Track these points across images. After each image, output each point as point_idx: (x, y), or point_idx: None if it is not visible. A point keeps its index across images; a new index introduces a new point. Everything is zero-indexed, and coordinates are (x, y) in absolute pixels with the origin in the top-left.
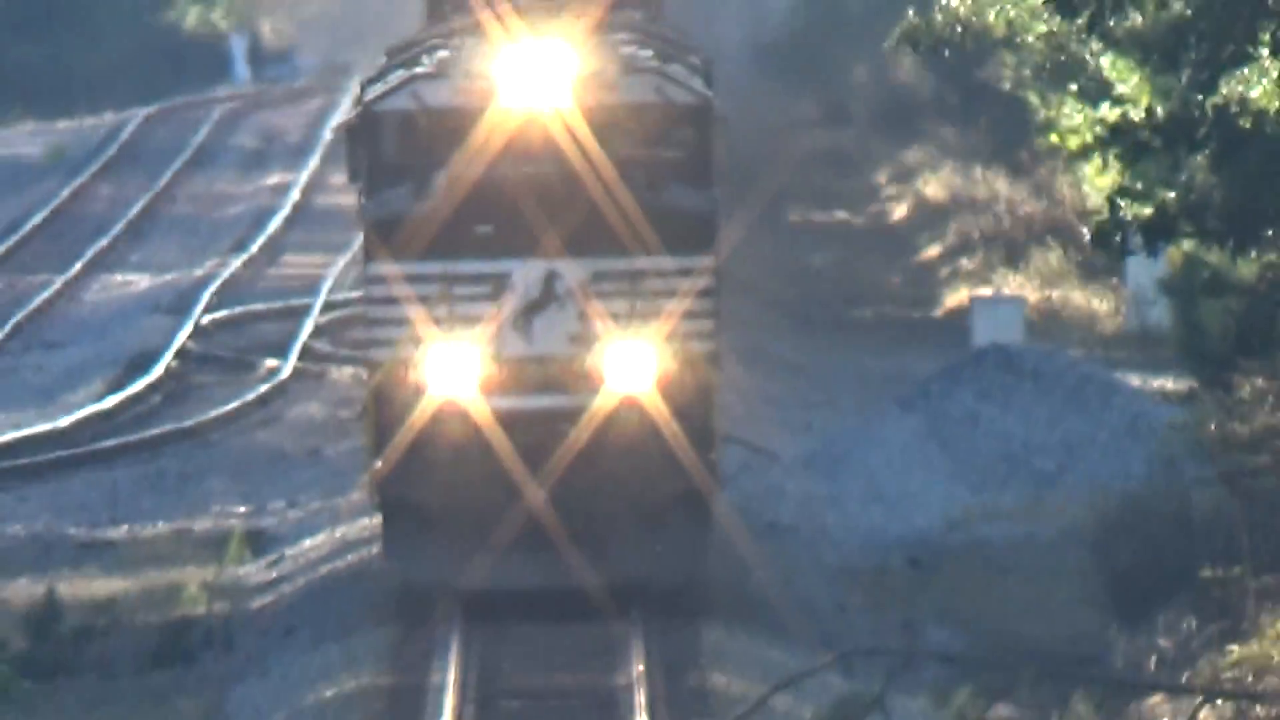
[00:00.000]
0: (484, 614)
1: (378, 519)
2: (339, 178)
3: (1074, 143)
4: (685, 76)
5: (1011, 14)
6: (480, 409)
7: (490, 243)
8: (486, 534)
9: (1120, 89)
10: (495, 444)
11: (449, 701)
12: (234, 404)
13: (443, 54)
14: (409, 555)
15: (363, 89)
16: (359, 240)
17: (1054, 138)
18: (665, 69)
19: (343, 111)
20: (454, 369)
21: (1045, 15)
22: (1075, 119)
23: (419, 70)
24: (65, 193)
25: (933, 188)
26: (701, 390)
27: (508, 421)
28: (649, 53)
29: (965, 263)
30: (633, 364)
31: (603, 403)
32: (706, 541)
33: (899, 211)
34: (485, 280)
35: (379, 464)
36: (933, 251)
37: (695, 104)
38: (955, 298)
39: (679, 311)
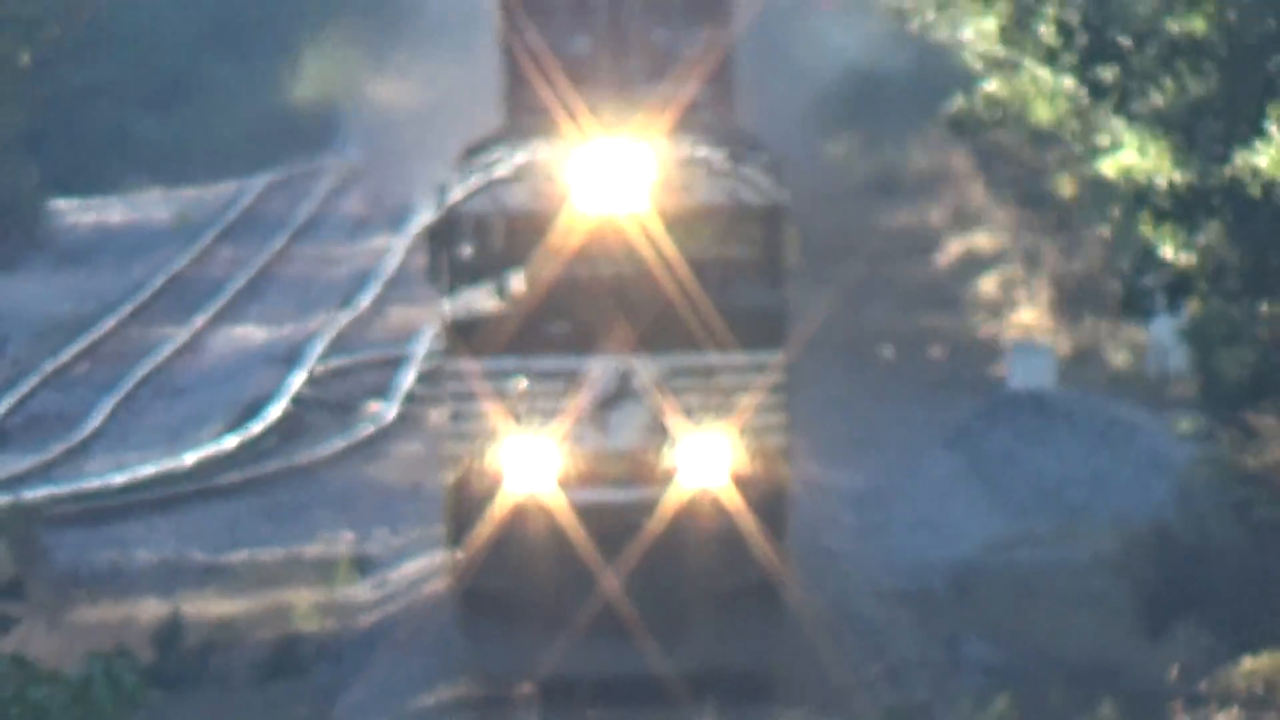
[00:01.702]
0: (561, 702)
1: (460, 605)
2: None
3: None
4: (757, 178)
5: (1050, 103)
6: (557, 502)
7: (566, 340)
8: (563, 623)
9: (1140, 164)
10: (572, 536)
11: None
12: (342, 444)
13: (520, 157)
14: (488, 643)
15: (442, 192)
16: (440, 338)
17: (1105, 167)
18: (738, 171)
19: (422, 215)
20: (531, 463)
21: (1079, 99)
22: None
23: (497, 173)
24: (190, 254)
25: (978, 243)
26: (774, 482)
27: (584, 514)
28: (721, 154)
29: (1007, 311)
30: (707, 458)
31: (678, 496)
32: (779, 630)
33: (945, 262)
34: (562, 376)
35: (459, 554)
36: (978, 299)
37: (767, 205)
38: (995, 343)
39: (752, 406)
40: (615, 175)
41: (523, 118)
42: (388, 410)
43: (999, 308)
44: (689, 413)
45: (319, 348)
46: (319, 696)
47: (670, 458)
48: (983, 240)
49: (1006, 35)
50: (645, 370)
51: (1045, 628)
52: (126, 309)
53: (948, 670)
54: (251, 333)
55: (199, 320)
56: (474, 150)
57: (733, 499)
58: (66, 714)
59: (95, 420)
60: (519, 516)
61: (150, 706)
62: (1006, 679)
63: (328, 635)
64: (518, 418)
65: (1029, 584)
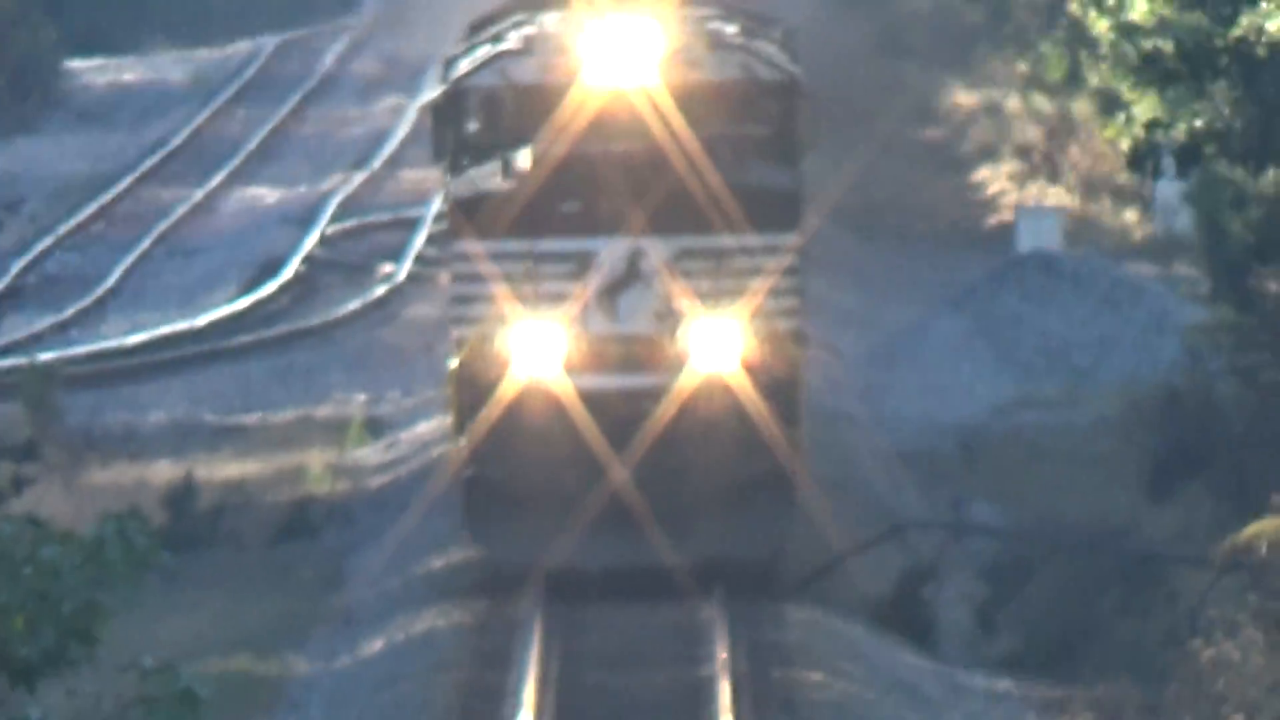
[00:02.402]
0: (565, 593)
1: (461, 493)
2: None
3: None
4: (771, 53)
5: None
6: (565, 388)
7: (575, 221)
8: (569, 513)
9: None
10: (579, 423)
11: (526, 672)
12: (355, 305)
13: (528, 30)
14: (492, 534)
15: (447, 66)
16: (444, 219)
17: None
18: (751, 45)
19: (427, 89)
20: (538, 348)
21: None
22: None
23: (505, 47)
24: (205, 115)
25: (980, 99)
26: (787, 368)
27: (592, 401)
28: (734, 28)
29: (1010, 174)
30: (718, 342)
31: (688, 381)
32: (791, 520)
33: (951, 129)
34: (570, 259)
35: (462, 441)
36: (982, 167)
37: (782, 80)
38: (1000, 207)
39: (764, 289)
40: (625, 49)
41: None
42: (400, 271)
43: (1007, 168)
44: (700, 296)
45: (331, 208)
46: (330, 558)
47: (681, 343)
48: (988, 98)
49: None
50: (655, 252)
51: (1050, 490)
52: (142, 169)
53: (954, 533)
54: (265, 193)
55: (214, 181)
56: (482, 22)
57: (744, 385)
58: (79, 574)
59: (110, 280)
60: (525, 403)
61: (162, 567)
62: (1010, 542)
63: (339, 497)
64: (524, 301)
65: (1034, 446)
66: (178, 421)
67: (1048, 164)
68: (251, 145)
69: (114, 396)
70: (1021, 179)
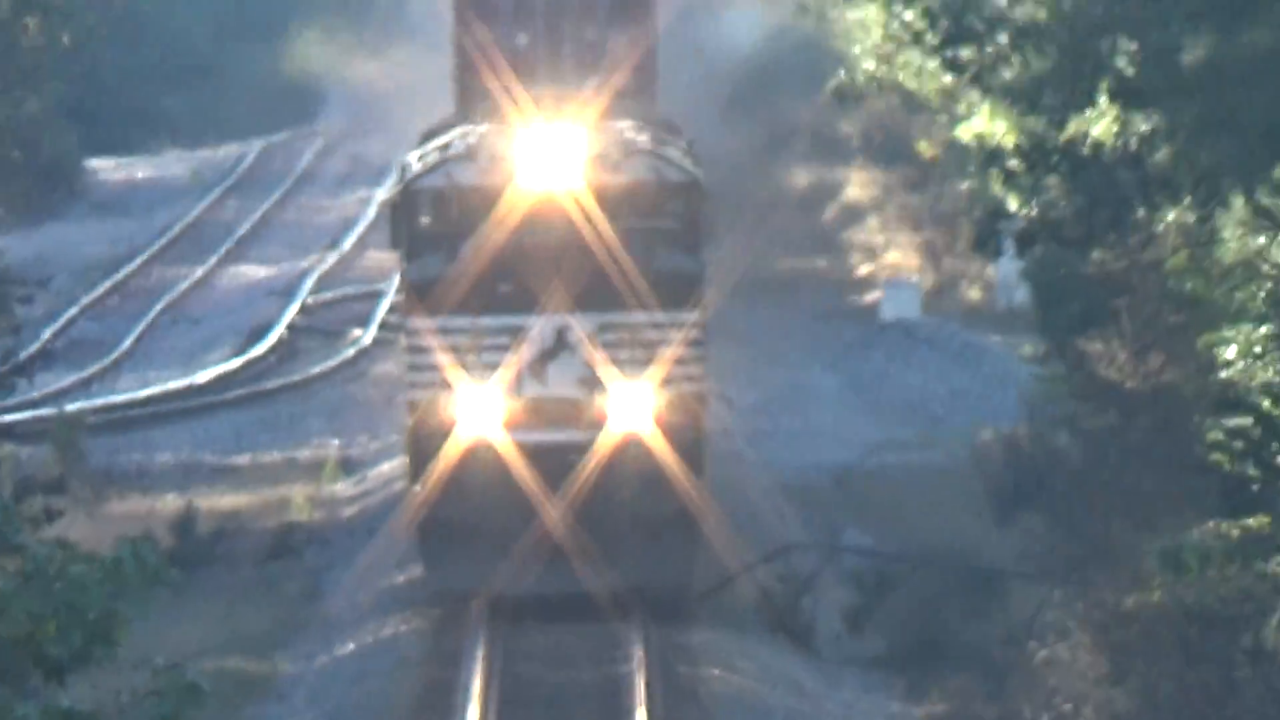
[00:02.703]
0: (504, 610)
1: (415, 536)
2: None
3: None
4: (677, 158)
5: (917, 76)
6: (503, 443)
7: (510, 300)
8: (509, 549)
9: (991, 129)
10: (516, 473)
11: (473, 677)
12: (330, 364)
13: (471, 138)
14: (445, 565)
15: (402, 169)
16: (400, 298)
17: (961, 133)
18: (660, 151)
19: (386, 188)
20: (480, 409)
21: (941, 74)
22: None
23: (451, 153)
24: (203, 205)
25: (853, 194)
26: (693, 426)
27: (527, 453)
28: (645, 137)
29: (881, 254)
30: (633, 405)
31: (608, 438)
32: (696, 549)
33: (830, 214)
34: (506, 332)
35: (417, 489)
36: (855, 243)
37: (686, 181)
38: (869, 284)
39: (672, 359)
40: (553, 155)
41: (473, 103)
42: (366, 336)
43: (875, 251)
44: (618, 365)
45: (310, 283)
46: (310, 575)
47: (601, 405)
48: (860, 193)
49: (881, 20)
50: (579, 327)
51: (910, 518)
52: (151, 250)
53: (828, 552)
54: (254, 270)
55: (211, 260)
56: (430, 132)
57: (656, 441)
58: (101, 587)
59: (124, 344)
60: (470, 456)
61: (170, 582)
62: (877, 560)
63: (317, 524)
64: (467, 369)
65: (897, 482)
66: (182, 461)
67: (910, 246)
68: (243, 230)
69: (128, 441)
70: (883, 259)
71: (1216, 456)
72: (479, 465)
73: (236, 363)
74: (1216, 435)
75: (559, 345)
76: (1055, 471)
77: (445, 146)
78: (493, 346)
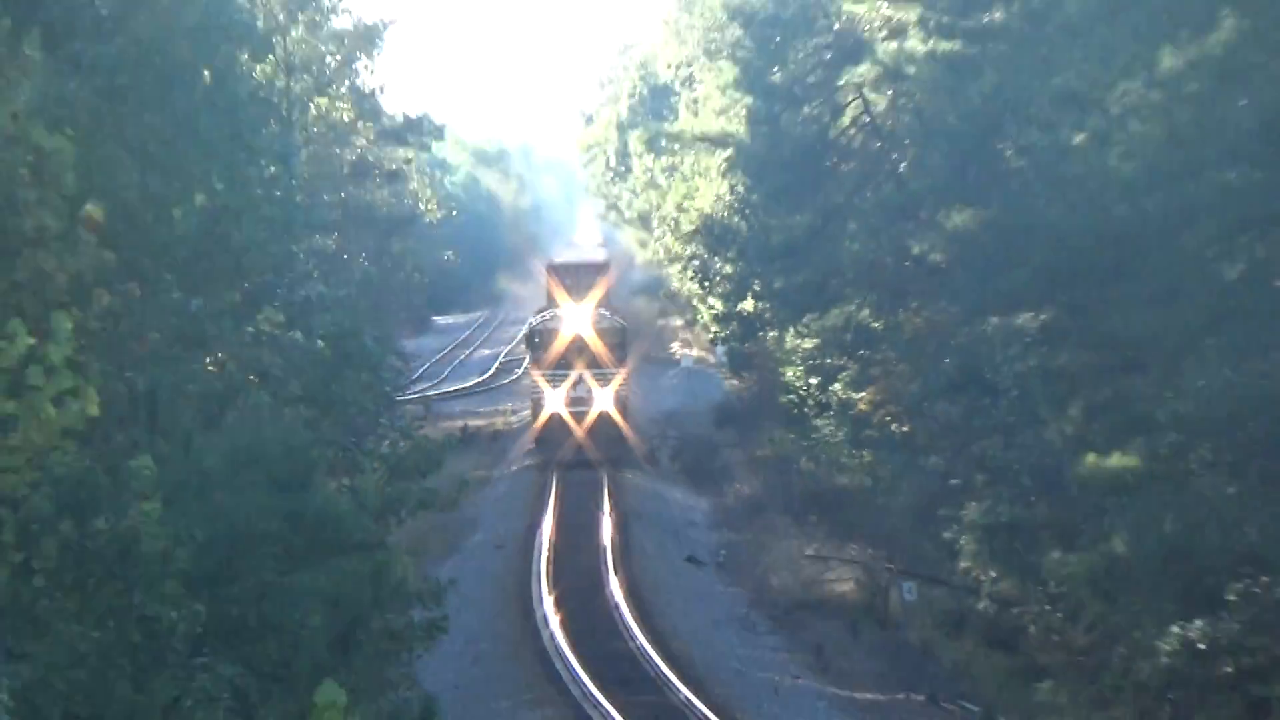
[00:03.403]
0: (562, 474)
1: (530, 452)
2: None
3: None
4: (619, 318)
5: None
6: (562, 411)
7: (563, 367)
8: (564, 447)
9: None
10: (566, 422)
11: (553, 489)
12: (506, 382)
13: (548, 312)
14: (542, 452)
15: (529, 324)
16: (527, 363)
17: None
18: (613, 316)
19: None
20: (554, 401)
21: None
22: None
23: (542, 317)
24: (469, 331)
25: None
26: (625, 405)
27: (571, 416)
28: (608, 311)
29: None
30: (605, 399)
31: (597, 410)
32: (624, 448)
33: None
34: (561, 378)
35: (535, 428)
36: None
37: (621, 326)
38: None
39: (617, 382)
40: (578, 318)
41: (549, 303)
42: (518, 373)
43: (683, 343)
44: (600, 386)
45: (500, 356)
46: (503, 448)
47: (595, 399)
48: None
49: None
50: (587, 376)
51: (689, 426)
52: (452, 346)
53: (663, 440)
54: (484, 351)
55: (471, 348)
56: (537, 312)
57: (612, 411)
58: (442, 450)
59: (444, 374)
60: (550, 417)
61: (455, 447)
62: (684, 442)
63: (504, 432)
64: (551, 388)
65: (686, 416)
66: (463, 410)
67: (696, 343)
68: (480, 338)
69: (446, 405)
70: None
71: (786, 398)
72: (553, 420)
73: (478, 379)
74: (792, 379)
75: (581, 381)
76: (735, 411)
77: (540, 314)
78: (556, 381)
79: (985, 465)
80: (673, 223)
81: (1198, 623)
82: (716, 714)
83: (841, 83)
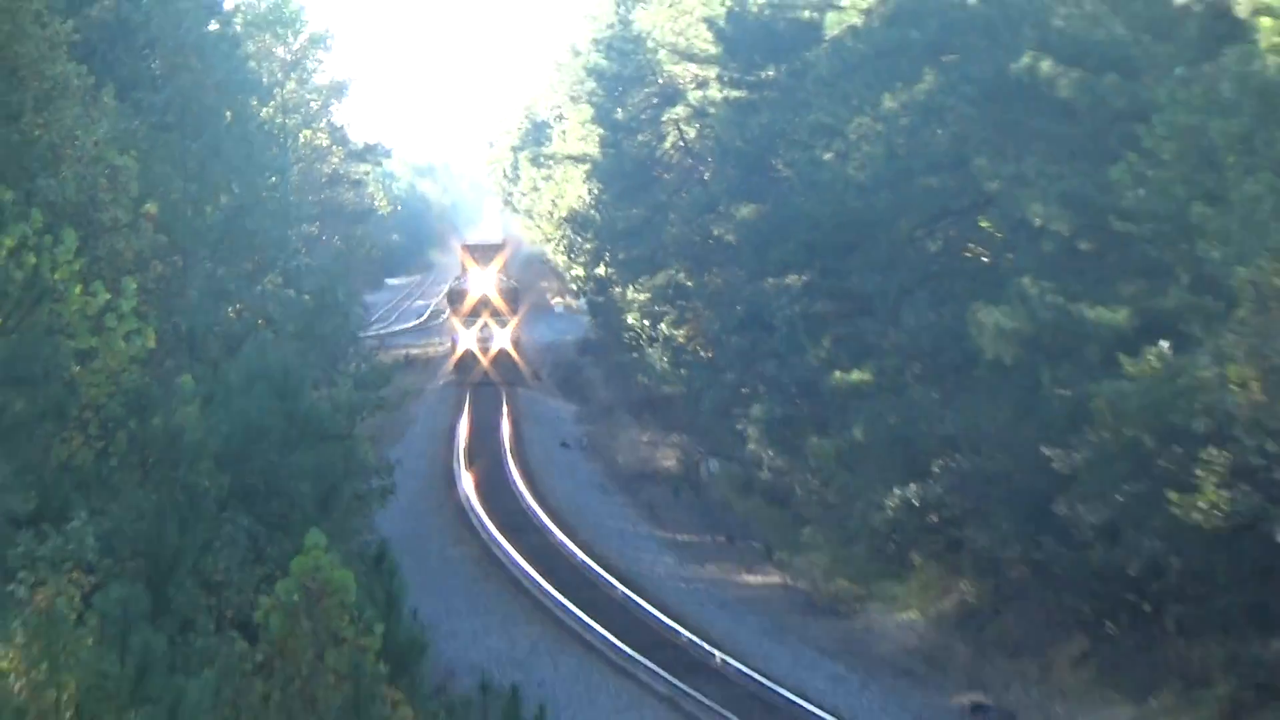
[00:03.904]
0: (473, 389)
1: (451, 375)
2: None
3: None
4: (512, 281)
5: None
6: (474, 347)
7: (474, 316)
8: (473, 373)
9: None
10: (476, 355)
11: (467, 400)
12: (435, 324)
13: (463, 277)
14: (460, 376)
15: (450, 285)
16: (447, 313)
17: None
18: (511, 279)
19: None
20: (467, 340)
21: None
22: None
23: (459, 279)
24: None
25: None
26: (519, 343)
27: (479, 351)
28: (505, 276)
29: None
30: (504, 339)
31: (498, 347)
32: (517, 373)
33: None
34: (473, 324)
35: (453, 359)
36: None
37: (516, 288)
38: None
39: (513, 327)
40: (484, 278)
41: (463, 271)
42: (442, 318)
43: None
44: (499, 329)
45: (430, 307)
46: (433, 371)
47: (497, 339)
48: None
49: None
50: (490, 322)
51: (560, 355)
52: (397, 300)
53: (543, 364)
54: (418, 303)
55: (409, 300)
56: (455, 278)
57: (510, 348)
58: (390, 375)
59: (393, 317)
60: (464, 352)
61: (391, 375)
62: (557, 366)
63: (433, 359)
64: (464, 329)
65: (558, 346)
66: (405, 343)
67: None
68: (418, 294)
69: (393, 340)
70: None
71: (627, 334)
72: (466, 354)
73: (416, 321)
74: (632, 322)
75: (486, 326)
76: (593, 343)
77: (457, 279)
78: (469, 325)
79: (765, 379)
80: (549, 214)
81: (912, 486)
82: (581, 549)
83: (664, 119)
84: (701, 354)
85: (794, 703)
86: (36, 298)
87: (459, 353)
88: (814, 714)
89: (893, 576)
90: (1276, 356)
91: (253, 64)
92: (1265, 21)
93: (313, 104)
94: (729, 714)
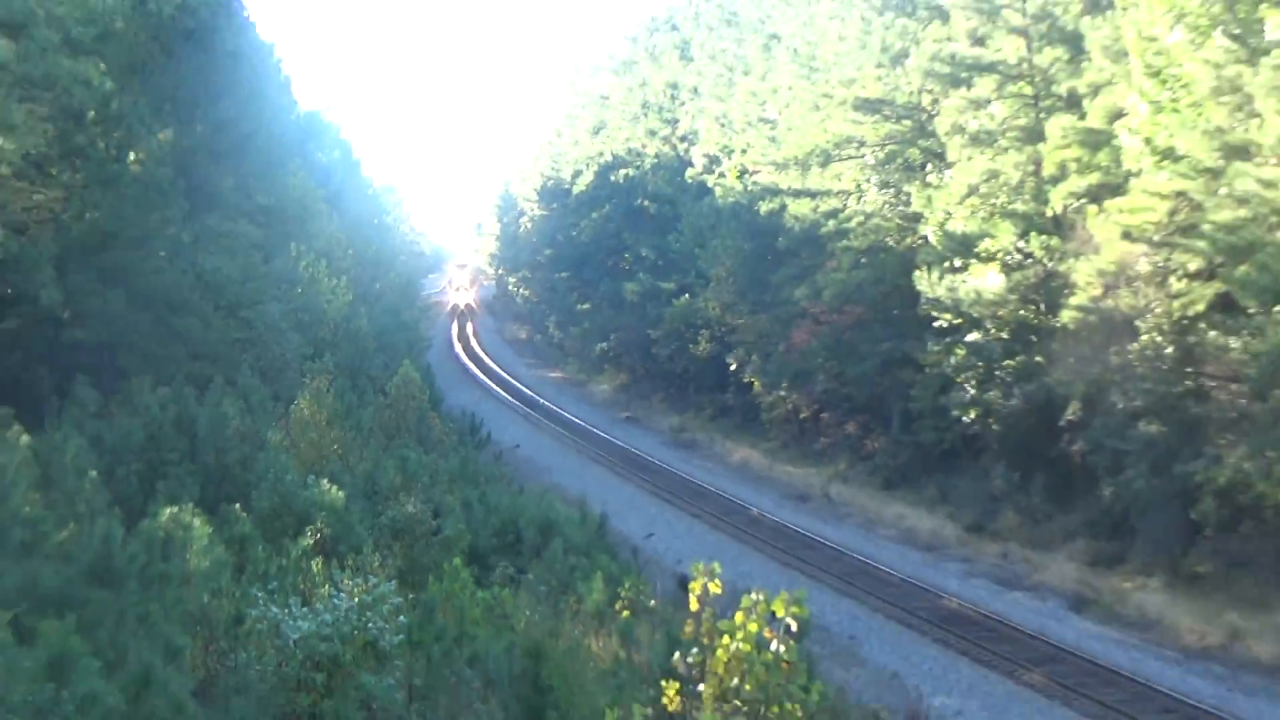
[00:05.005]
0: (457, 317)
1: (447, 312)
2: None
3: None
4: (473, 279)
5: None
6: (458, 303)
7: (457, 290)
8: (458, 312)
9: None
10: (459, 305)
11: (454, 323)
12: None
13: (452, 278)
14: (450, 314)
15: (447, 279)
16: (446, 290)
17: None
18: (473, 278)
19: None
20: (455, 299)
21: None
22: None
23: (451, 279)
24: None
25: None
26: (475, 303)
27: (459, 302)
28: (470, 278)
29: None
30: (468, 298)
31: (465, 302)
32: (475, 313)
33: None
34: (456, 294)
35: (448, 308)
36: None
37: (476, 279)
38: None
39: (473, 296)
40: (462, 285)
41: (453, 276)
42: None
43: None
44: (467, 295)
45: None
46: (437, 312)
47: (465, 299)
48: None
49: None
50: (463, 293)
51: (496, 306)
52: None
53: (488, 308)
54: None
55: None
56: (449, 279)
57: (471, 302)
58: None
59: (426, 294)
60: (453, 304)
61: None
62: (493, 308)
63: (439, 308)
64: (454, 294)
65: (495, 302)
66: (428, 300)
67: None
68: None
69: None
70: None
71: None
72: (454, 305)
73: (435, 292)
74: (528, 295)
75: (461, 293)
76: (512, 299)
77: (450, 279)
78: (455, 295)
79: (568, 311)
80: (488, 254)
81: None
82: (498, 367)
83: (522, 218)
84: (534, 297)
85: (563, 417)
86: None
87: (449, 305)
88: (561, 416)
89: (599, 373)
90: None
91: None
92: None
93: None
94: (517, 402)
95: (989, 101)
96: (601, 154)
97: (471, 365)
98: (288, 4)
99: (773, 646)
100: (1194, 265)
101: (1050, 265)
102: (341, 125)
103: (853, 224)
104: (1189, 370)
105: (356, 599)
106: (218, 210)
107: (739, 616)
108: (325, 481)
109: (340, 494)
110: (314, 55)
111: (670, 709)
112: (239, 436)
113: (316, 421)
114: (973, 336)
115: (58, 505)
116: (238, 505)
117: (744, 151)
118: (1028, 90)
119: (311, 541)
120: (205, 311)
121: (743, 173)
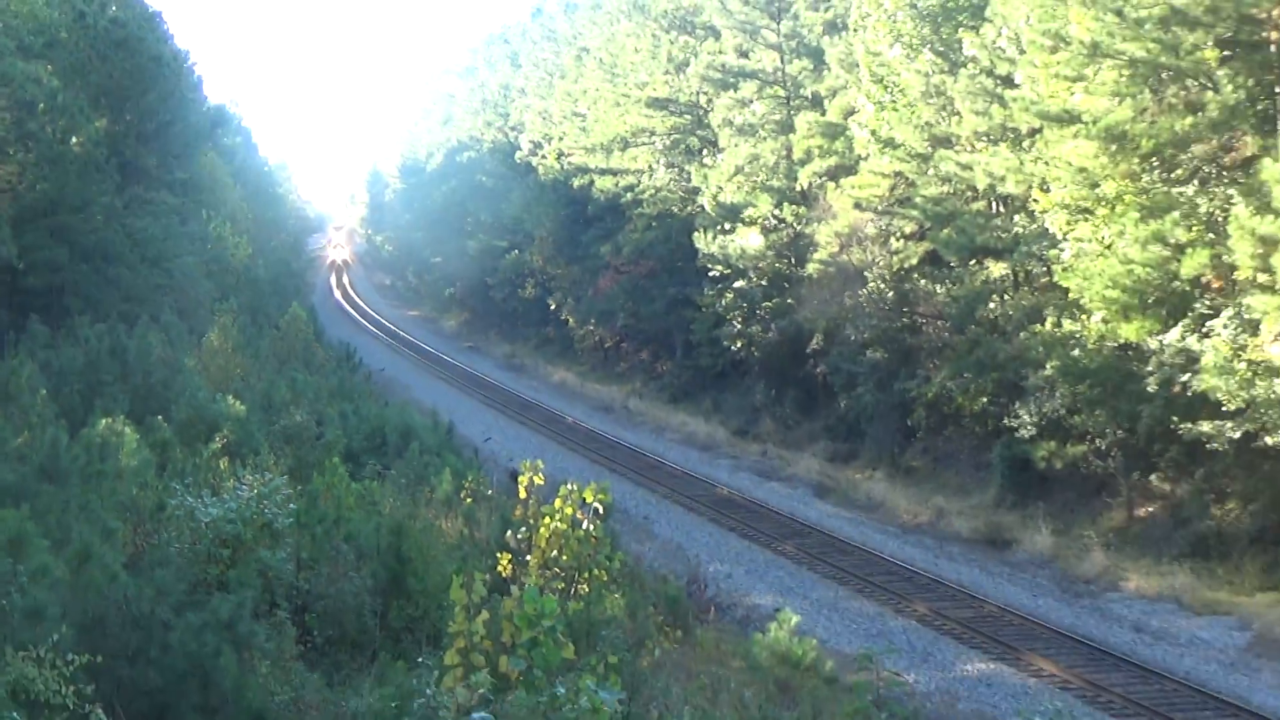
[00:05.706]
0: (335, 270)
1: (328, 266)
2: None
3: None
4: (348, 237)
5: None
6: (336, 258)
7: (335, 248)
8: (336, 267)
9: None
10: (337, 260)
11: (333, 273)
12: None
13: (332, 237)
14: (330, 269)
15: (328, 237)
16: (326, 246)
17: None
18: (349, 237)
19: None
20: (333, 254)
21: None
22: None
23: (330, 238)
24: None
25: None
26: (351, 258)
27: (337, 260)
28: (346, 236)
29: None
30: (345, 254)
31: (342, 258)
32: (350, 266)
33: None
34: (335, 249)
35: (327, 262)
36: None
37: (350, 239)
38: None
39: (349, 253)
40: (339, 246)
41: (332, 235)
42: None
43: None
44: (343, 252)
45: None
46: (320, 265)
47: (342, 254)
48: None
49: None
50: (340, 249)
51: (367, 260)
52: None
53: (361, 263)
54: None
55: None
56: (328, 238)
57: (348, 257)
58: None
59: (309, 248)
60: (331, 260)
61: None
62: (364, 262)
63: (321, 261)
64: (332, 251)
65: (364, 255)
66: (310, 254)
67: None
68: (319, 242)
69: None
70: None
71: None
72: (333, 261)
73: (317, 248)
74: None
75: (339, 250)
76: (380, 254)
77: (329, 238)
78: (333, 251)
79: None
80: (359, 219)
81: None
82: (379, 315)
83: (388, 188)
84: (396, 252)
85: (419, 347)
86: None
87: (329, 260)
88: (417, 345)
89: (447, 312)
90: None
91: None
92: None
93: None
94: (383, 335)
95: (751, 101)
96: (449, 140)
97: (346, 306)
98: (200, 14)
99: (584, 526)
100: (909, 229)
101: (799, 228)
102: (242, 115)
103: (646, 196)
104: (905, 310)
105: (255, 490)
106: (143, 182)
107: (558, 502)
108: (230, 397)
109: (242, 407)
110: (221, 59)
111: (504, 575)
112: (161, 362)
113: (223, 350)
114: (739, 284)
115: (14, 417)
116: (160, 417)
117: (561, 139)
118: (781, 93)
119: (219, 445)
120: (134, 263)
121: (560, 155)
